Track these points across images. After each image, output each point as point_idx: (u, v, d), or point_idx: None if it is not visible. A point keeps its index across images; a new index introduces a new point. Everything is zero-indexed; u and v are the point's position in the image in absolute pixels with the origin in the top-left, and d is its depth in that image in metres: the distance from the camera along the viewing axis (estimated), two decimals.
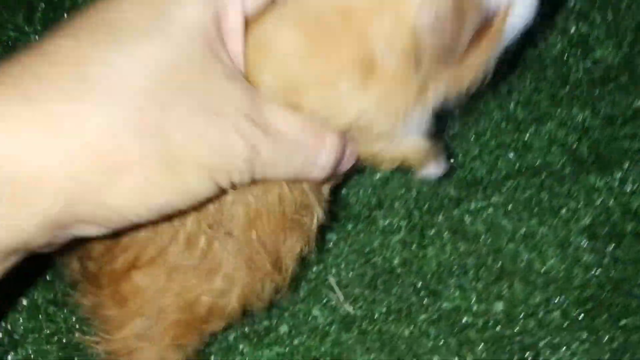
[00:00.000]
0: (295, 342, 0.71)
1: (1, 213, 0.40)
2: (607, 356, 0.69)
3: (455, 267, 0.73)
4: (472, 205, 0.74)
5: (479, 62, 0.54)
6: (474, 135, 0.76)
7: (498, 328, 0.70)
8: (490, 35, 0.54)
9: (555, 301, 0.71)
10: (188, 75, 0.44)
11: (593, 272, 0.71)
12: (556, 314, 0.70)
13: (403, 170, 0.63)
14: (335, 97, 0.51)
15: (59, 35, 0.43)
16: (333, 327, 0.71)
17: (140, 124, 0.42)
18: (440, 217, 0.74)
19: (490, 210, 0.74)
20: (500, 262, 0.72)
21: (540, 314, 0.71)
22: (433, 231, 0.74)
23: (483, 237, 0.73)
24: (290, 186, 0.56)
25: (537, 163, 0.75)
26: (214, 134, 0.44)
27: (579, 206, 0.73)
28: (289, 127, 0.49)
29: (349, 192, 0.76)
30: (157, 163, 0.43)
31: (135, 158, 0.42)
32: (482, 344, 0.70)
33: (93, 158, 0.41)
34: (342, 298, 0.72)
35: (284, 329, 0.71)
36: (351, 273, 0.73)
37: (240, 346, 0.71)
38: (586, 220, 0.73)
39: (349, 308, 0.72)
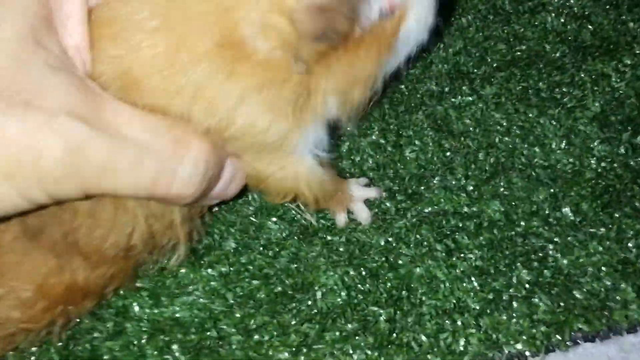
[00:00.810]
0: (243, 259, 0.60)
1: None
2: (632, 254, 0.56)
3: (439, 166, 0.64)
4: (458, 100, 0.68)
5: (371, 66, 0.52)
6: (456, 31, 0.69)
7: (495, 231, 0.60)
8: (383, 39, 0.52)
9: (564, 196, 0.60)
10: (9, 67, 0.40)
11: (607, 163, 0.61)
12: (566, 210, 0.60)
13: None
14: (190, 85, 0.45)
15: None
16: (290, 240, 0.61)
17: None
18: (420, 115, 0.66)
19: (480, 104, 0.67)
20: (494, 158, 0.63)
21: (547, 212, 0.60)
22: (412, 131, 0.65)
23: (472, 132, 0.65)
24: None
25: (533, 53, 0.67)
26: (19, 131, 0.39)
27: (586, 93, 0.66)
28: (137, 128, 0.44)
29: None
30: None
31: None
32: (476, 249, 0.59)
33: None
34: (302, 207, 0.62)
35: (229, 245, 0.61)
36: None
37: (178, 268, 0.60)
38: (595, 108, 0.64)
39: (310, 218, 0.62)
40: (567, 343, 0.57)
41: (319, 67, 0.49)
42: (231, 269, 0.60)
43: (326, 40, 0.46)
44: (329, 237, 0.62)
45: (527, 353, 0.56)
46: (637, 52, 0.66)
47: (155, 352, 0.56)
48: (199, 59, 0.44)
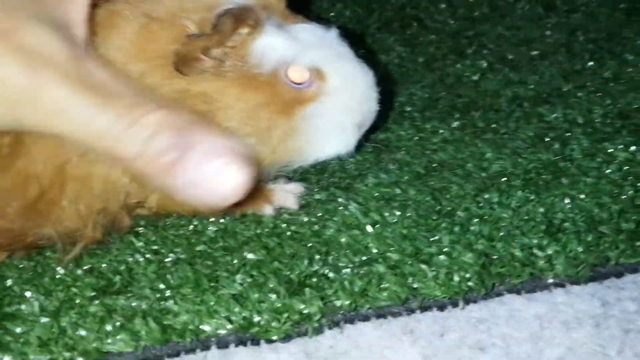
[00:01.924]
0: None
1: None
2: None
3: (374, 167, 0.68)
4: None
5: (254, 114, 0.59)
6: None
7: (421, 211, 0.63)
8: (282, 100, 0.59)
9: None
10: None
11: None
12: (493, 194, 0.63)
13: None
14: None
15: None
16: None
17: None
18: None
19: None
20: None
21: (474, 195, 0.64)
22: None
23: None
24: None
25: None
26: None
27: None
28: (109, 84, 0.50)
29: None
30: None
31: None
32: (404, 220, 0.61)
33: None
34: None
35: None
36: None
37: None
38: None
39: None
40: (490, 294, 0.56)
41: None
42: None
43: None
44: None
45: (447, 301, 0.55)
46: None
47: None
48: None
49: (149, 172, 0.49)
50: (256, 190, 0.61)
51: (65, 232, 0.60)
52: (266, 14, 0.59)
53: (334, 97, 0.61)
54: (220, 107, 0.58)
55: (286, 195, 0.67)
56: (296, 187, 0.68)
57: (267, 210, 0.66)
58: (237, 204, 0.56)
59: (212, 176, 0.48)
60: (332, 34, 0.63)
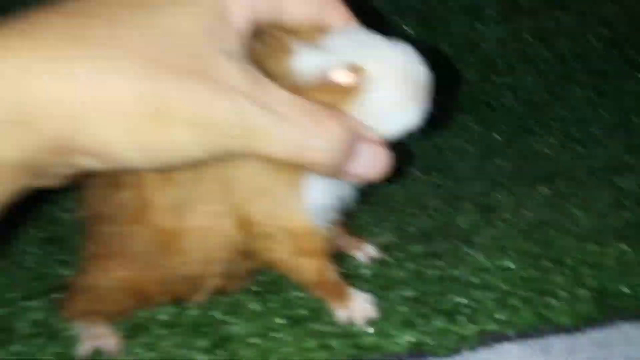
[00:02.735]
0: None
1: (15, 130, 0.49)
2: None
3: None
4: None
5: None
6: None
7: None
8: (338, 96, 0.65)
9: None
10: (189, 44, 0.56)
11: None
12: None
13: None
14: None
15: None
16: None
17: (133, 73, 0.51)
18: None
19: None
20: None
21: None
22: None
23: None
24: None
25: None
26: (202, 93, 0.53)
27: None
28: (288, 105, 0.58)
29: None
30: (145, 109, 0.52)
31: (128, 102, 0.51)
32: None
33: (97, 95, 0.51)
34: None
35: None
36: None
37: None
38: None
39: None
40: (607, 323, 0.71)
41: None
42: None
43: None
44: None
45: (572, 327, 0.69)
46: None
47: None
48: None
49: (329, 173, 0.62)
50: (339, 291, 0.72)
51: (193, 276, 0.72)
52: (294, 38, 0.65)
53: (378, 82, 0.64)
54: None
55: (361, 310, 0.71)
56: (372, 299, 0.73)
57: (342, 315, 0.72)
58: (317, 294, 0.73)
59: (371, 165, 0.63)
60: (360, 30, 0.67)
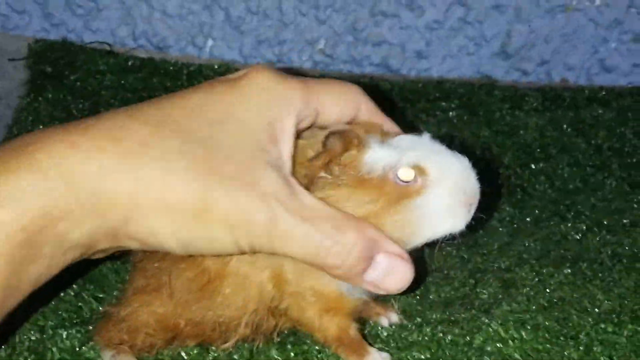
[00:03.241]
0: None
1: (87, 215, 0.61)
2: None
3: None
4: None
5: (373, 211, 0.71)
6: None
7: None
8: (391, 198, 0.71)
9: None
10: (239, 155, 0.65)
11: None
12: None
13: None
14: None
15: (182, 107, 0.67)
16: None
17: (190, 176, 0.63)
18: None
19: None
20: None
21: None
22: None
23: None
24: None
25: None
26: (243, 199, 0.63)
27: None
28: (314, 212, 0.66)
29: None
30: (191, 207, 0.63)
31: (178, 199, 0.62)
32: None
33: (149, 192, 0.62)
34: None
35: None
36: None
37: None
38: None
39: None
40: None
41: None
42: None
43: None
44: None
45: None
46: None
47: None
48: None
49: (345, 277, 0.69)
50: (357, 347, 0.76)
51: (225, 321, 0.76)
52: (367, 135, 0.73)
53: (437, 186, 0.72)
54: (334, 206, 0.69)
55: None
56: (387, 356, 0.77)
57: None
58: (336, 350, 0.76)
59: (389, 275, 0.69)
60: (426, 136, 0.75)
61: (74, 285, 0.94)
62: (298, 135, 0.72)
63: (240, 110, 0.67)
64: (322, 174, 0.71)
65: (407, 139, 0.75)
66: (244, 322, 0.76)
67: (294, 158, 0.70)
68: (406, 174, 0.71)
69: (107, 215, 0.61)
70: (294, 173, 0.69)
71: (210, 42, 1.51)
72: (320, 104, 0.72)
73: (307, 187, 0.70)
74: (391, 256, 0.69)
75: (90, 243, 0.63)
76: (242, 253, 0.67)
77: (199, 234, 0.64)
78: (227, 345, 0.77)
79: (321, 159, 0.71)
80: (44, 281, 0.63)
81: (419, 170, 0.72)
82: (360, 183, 0.71)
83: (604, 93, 1.51)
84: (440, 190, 0.72)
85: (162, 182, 0.62)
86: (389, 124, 0.79)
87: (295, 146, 0.71)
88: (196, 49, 1.51)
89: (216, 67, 1.46)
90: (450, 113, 1.44)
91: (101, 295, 0.90)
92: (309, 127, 0.74)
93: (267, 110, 0.68)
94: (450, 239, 0.75)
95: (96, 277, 0.96)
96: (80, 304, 0.89)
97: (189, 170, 0.62)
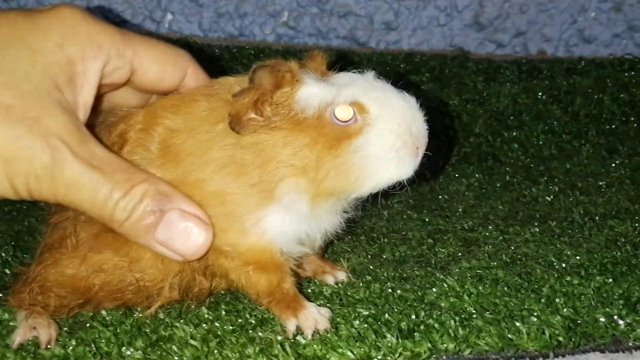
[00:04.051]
0: None
1: None
2: None
3: None
4: None
5: (309, 153, 0.65)
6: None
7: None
8: (328, 135, 0.65)
9: None
10: (25, 85, 0.59)
11: None
12: None
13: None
14: None
15: None
16: None
17: None
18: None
19: None
20: None
21: None
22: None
23: None
24: None
25: None
26: (23, 134, 0.57)
27: None
28: (106, 162, 0.61)
29: None
30: None
31: None
32: None
33: None
34: None
35: None
36: None
37: None
38: None
39: None
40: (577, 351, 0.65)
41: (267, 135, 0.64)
42: None
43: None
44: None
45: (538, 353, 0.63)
46: None
47: None
48: None
49: (134, 233, 0.62)
50: (292, 302, 0.68)
51: (146, 285, 0.70)
52: (303, 71, 0.67)
53: (378, 125, 0.65)
54: (269, 154, 0.64)
55: (310, 319, 0.66)
56: (326, 311, 0.69)
57: (290, 324, 0.67)
58: (269, 306, 0.69)
59: (181, 236, 0.63)
60: (369, 74, 0.69)
61: (2, 253, 0.87)
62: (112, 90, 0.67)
63: (36, 40, 0.60)
64: (252, 114, 0.65)
65: (347, 76, 0.69)
66: (169, 285, 0.69)
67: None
68: (344, 111, 0.65)
69: None
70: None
71: (169, 17, 1.44)
72: (137, 59, 0.66)
73: (234, 129, 0.64)
74: (185, 214, 0.63)
75: None
76: (21, 198, 0.60)
77: None
78: (151, 310, 0.70)
79: (248, 96, 0.64)
80: None
81: (359, 107, 0.65)
82: (295, 125, 0.64)
83: (583, 64, 1.44)
84: (382, 129, 0.65)
85: None
86: None
87: (99, 96, 0.65)
88: (154, 23, 1.44)
89: (175, 41, 1.39)
90: (422, 87, 1.38)
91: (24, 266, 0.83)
92: (123, 84, 0.68)
93: (68, 46, 0.61)
94: (399, 188, 0.68)
95: (30, 245, 0.90)
96: (6, 269, 0.83)
97: None
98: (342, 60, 0.73)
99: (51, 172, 0.58)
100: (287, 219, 0.67)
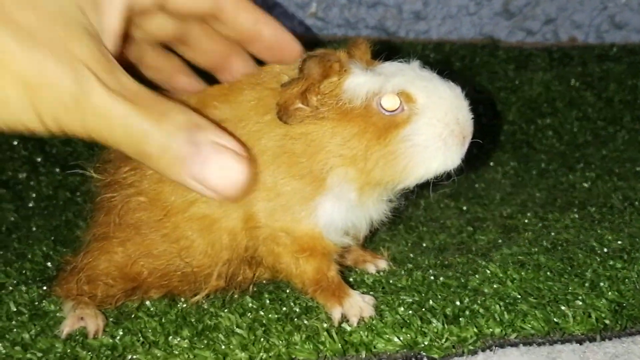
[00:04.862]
0: None
1: None
2: None
3: None
4: None
5: (357, 143, 0.65)
6: None
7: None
8: (377, 126, 0.65)
9: None
10: (49, 6, 0.54)
11: None
12: None
13: None
14: None
15: None
16: None
17: None
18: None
19: None
20: None
21: None
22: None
23: None
24: None
25: None
26: (48, 59, 0.52)
27: None
28: (136, 92, 0.56)
29: None
30: None
31: None
32: None
33: None
34: None
35: None
36: None
37: None
38: None
39: None
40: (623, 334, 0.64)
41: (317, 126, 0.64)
42: None
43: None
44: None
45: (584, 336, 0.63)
46: None
47: None
48: None
49: (168, 168, 0.56)
50: (337, 291, 0.69)
51: (195, 272, 0.70)
52: (350, 61, 0.67)
53: (426, 114, 0.65)
54: (319, 144, 0.64)
55: (356, 306, 0.67)
56: (370, 299, 0.70)
57: (336, 312, 0.67)
58: (314, 295, 0.69)
59: (216, 171, 0.56)
60: (414, 63, 0.68)
61: (44, 248, 0.88)
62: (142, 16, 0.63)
63: None
64: (299, 104, 0.65)
65: (393, 65, 0.68)
66: (216, 273, 0.70)
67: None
68: (390, 101, 0.65)
69: None
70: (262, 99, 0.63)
71: None
72: None
73: (281, 118, 0.64)
74: (220, 148, 0.57)
75: None
76: (50, 133, 0.54)
77: None
78: (197, 297, 0.71)
79: (297, 86, 0.64)
80: None
81: (406, 97, 0.65)
82: (342, 115, 0.64)
83: (615, 50, 1.43)
84: (430, 118, 0.65)
85: None
86: (269, 25, 0.68)
87: (128, 23, 0.60)
88: None
89: None
90: (453, 76, 1.37)
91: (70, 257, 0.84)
92: (154, 10, 0.63)
93: None
94: (446, 178, 0.69)
95: (69, 239, 0.91)
96: (48, 263, 0.84)
97: None
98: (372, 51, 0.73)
99: (80, 102, 0.52)
100: (336, 208, 0.68)
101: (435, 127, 0.65)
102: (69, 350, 0.64)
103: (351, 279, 0.76)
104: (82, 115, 0.53)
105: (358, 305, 0.67)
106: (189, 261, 0.70)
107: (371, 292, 0.71)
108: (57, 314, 0.71)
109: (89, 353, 0.63)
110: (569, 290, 0.68)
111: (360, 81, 0.65)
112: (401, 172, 0.66)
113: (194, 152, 0.56)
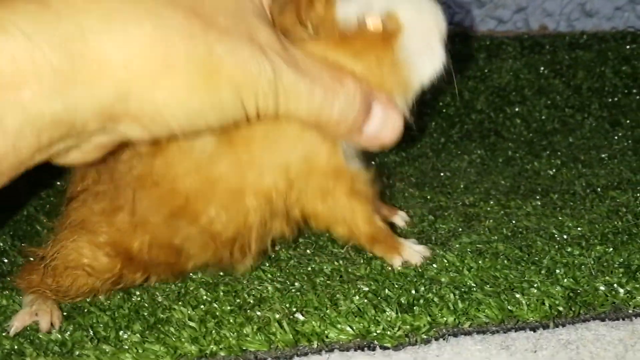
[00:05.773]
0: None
1: (59, 84, 0.48)
2: None
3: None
4: None
5: (369, 64, 0.67)
6: None
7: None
8: (378, 43, 0.67)
9: None
10: (235, 7, 0.56)
11: None
12: None
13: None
14: None
15: None
16: None
17: (189, 32, 0.52)
18: None
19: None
20: None
21: None
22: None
23: None
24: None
25: None
26: (246, 54, 0.54)
27: None
28: (309, 65, 0.59)
29: None
30: (199, 68, 0.52)
31: (182, 61, 0.51)
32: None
33: (148, 57, 0.50)
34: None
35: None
36: None
37: None
38: None
39: None
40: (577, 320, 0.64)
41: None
42: None
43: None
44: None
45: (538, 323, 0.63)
46: None
47: None
48: None
49: (349, 132, 0.63)
50: (390, 240, 0.74)
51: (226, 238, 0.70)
52: None
53: (411, 29, 0.67)
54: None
55: (414, 252, 0.74)
56: (425, 249, 0.75)
57: (396, 261, 0.73)
58: (372, 247, 0.74)
59: (388, 126, 0.65)
60: None
61: (0, 243, 0.87)
62: None
63: None
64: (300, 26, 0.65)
65: None
66: (255, 236, 0.71)
67: None
68: (376, 22, 0.67)
69: (94, 85, 0.49)
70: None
71: None
72: None
73: None
74: (386, 105, 0.65)
75: (72, 121, 0.49)
76: (247, 118, 0.57)
77: (209, 100, 0.54)
78: (245, 262, 0.73)
79: (290, 10, 0.64)
80: (14, 170, 0.50)
81: (390, 17, 0.67)
82: (344, 40, 0.66)
83: (585, 38, 1.42)
84: (415, 34, 0.68)
85: (157, 40, 0.50)
86: None
87: None
88: None
89: None
90: None
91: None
92: None
93: None
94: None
95: (28, 234, 0.90)
96: (4, 259, 0.82)
97: (185, 25, 0.51)
98: None
99: (275, 86, 0.56)
100: None
101: (421, 38, 0.68)
102: (16, 347, 0.63)
103: (309, 269, 0.75)
104: (277, 97, 0.57)
105: (416, 251, 0.74)
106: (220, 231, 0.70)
107: (328, 282, 0.71)
108: (9, 309, 0.69)
109: (37, 350, 0.62)
110: (525, 278, 0.67)
111: (349, 8, 0.66)
112: (405, 80, 0.68)
113: (370, 114, 0.64)
